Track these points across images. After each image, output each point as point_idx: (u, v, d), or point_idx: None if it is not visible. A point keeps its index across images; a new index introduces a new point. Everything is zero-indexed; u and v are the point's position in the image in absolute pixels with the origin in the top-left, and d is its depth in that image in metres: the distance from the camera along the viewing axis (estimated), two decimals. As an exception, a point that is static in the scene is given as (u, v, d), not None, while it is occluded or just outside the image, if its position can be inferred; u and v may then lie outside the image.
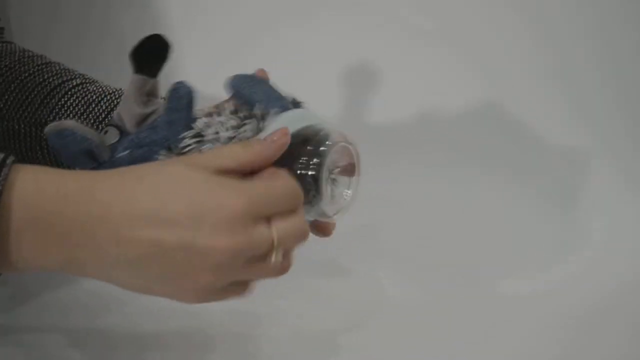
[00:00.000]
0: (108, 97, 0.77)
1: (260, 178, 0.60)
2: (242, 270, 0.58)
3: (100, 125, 0.76)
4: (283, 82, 0.79)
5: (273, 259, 0.58)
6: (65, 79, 0.79)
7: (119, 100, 0.76)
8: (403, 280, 0.93)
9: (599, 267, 0.96)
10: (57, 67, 0.81)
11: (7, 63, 0.80)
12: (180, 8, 1.08)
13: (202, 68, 1.04)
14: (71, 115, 0.76)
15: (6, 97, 0.78)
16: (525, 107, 1.07)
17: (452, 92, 1.06)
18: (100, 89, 0.78)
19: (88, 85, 0.79)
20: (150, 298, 0.61)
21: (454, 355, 0.81)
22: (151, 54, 0.68)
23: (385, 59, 1.06)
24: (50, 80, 0.79)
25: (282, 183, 0.59)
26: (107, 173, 0.60)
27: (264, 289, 0.63)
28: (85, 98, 0.77)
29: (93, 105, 0.76)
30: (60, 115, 0.76)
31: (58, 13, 1.08)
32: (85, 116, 0.76)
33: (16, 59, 0.80)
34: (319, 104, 0.75)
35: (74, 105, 0.77)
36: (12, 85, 0.78)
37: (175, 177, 0.58)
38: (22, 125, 0.77)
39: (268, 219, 0.58)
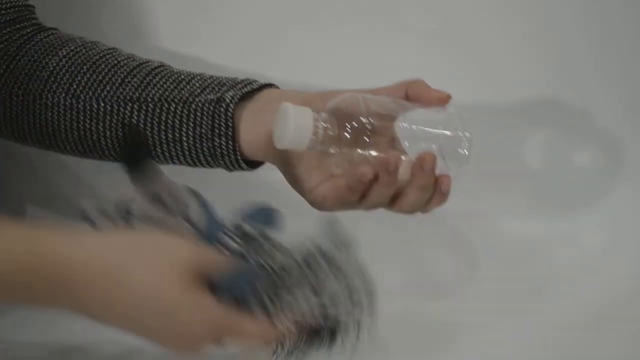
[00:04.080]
0: (198, 78, 0.80)
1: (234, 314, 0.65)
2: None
3: (195, 100, 0.78)
4: (287, 85, 0.80)
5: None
6: (142, 61, 0.82)
7: (208, 81, 0.79)
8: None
9: (600, 268, 0.96)
10: (126, 53, 0.84)
11: (72, 48, 0.83)
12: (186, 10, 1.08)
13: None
14: (160, 91, 0.79)
15: (79, 78, 0.81)
16: (528, 107, 1.07)
17: (456, 93, 1.06)
18: (186, 71, 0.81)
19: (169, 67, 0.82)
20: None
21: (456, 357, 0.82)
22: None
23: (390, 61, 1.06)
24: (126, 62, 0.82)
25: (252, 328, 0.65)
26: (89, 264, 0.62)
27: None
28: (173, 77, 0.80)
29: (184, 84, 0.79)
30: (148, 91, 0.79)
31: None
32: (177, 92, 0.79)
33: (79, 44, 0.84)
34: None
35: (161, 82, 0.80)
36: (84, 67, 0.81)
37: (150, 292, 0.63)
38: (102, 104, 0.80)
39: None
